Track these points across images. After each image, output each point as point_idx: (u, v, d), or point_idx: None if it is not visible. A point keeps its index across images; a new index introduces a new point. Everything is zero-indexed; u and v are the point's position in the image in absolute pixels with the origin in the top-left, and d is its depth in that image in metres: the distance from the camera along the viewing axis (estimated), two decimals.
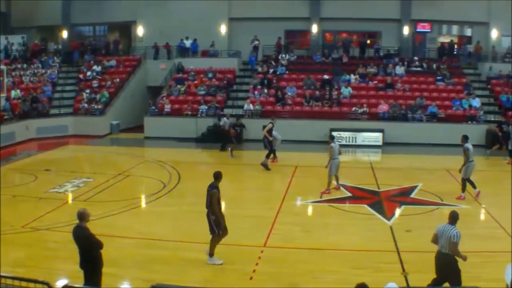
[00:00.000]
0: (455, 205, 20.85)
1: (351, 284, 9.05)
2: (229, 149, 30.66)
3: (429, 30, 46.57)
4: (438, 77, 39.94)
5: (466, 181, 21.48)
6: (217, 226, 14.28)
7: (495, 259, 15.24)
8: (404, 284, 12.87)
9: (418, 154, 31.43)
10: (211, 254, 14.39)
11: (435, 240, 12.20)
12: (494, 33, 45.03)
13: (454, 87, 39.22)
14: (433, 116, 35.73)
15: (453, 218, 12.16)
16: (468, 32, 47.79)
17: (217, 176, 14.59)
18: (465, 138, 21.70)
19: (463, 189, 21.52)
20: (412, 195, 22.52)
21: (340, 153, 23.03)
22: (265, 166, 26.84)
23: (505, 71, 40.84)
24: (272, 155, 28.29)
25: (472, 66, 43.42)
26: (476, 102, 37.18)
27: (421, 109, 36.18)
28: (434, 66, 41.51)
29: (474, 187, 21.55)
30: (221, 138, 32.19)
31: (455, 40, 47.85)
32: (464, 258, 11.97)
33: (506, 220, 18.76)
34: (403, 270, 14.17)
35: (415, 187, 23.52)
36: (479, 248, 16.19)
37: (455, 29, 48.65)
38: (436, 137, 33.85)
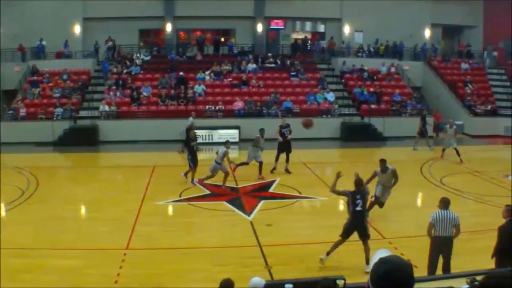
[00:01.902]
0: (313, 197, 21.35)
1: (216, 282, 9.05)
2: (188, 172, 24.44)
3: (282, 27, 47.12)
4: (292, 73, 40.71)
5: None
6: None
7: (354, 248, 15.66)
8: (268, 278, 12.92)
9: (274, 149, 31.71)
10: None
11: (431, 228, 12.85)
12: (347, 29, 46.58)
13: (308, 82, 40.20)
14: (288, 111, 36.26)
15: (446, 203, 13.00)
16: (321, 28, 49.05)
17: (360, 182, 14.82)
18: (385, 162, 18.96)
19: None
20: (271, 190, 22.82)
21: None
22: (286, 170, 26.11)
23: (358, 65, 42.48)
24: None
25: (325, 61, 44.63)
26: (331, 96, 38.32)
27: (276, 104, 36.69)
28: (288, 62, 42.22)
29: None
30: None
31: (309, 36, 48.88)
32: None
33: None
34: (266, 263, 14.31)
35: (273, 181, 23.92)
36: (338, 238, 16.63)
37: (308, 25, 49.64)
38: (292, 132, 34.27)
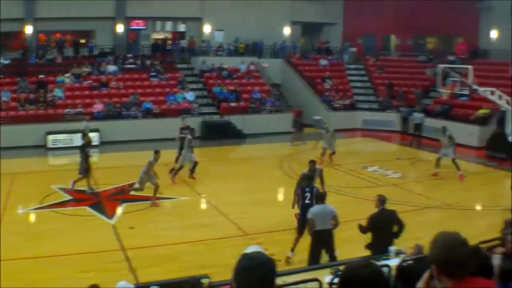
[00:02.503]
0: (175, 197, 21.63)
1: None
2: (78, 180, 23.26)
3: (143, 27, 46.94)
4: (152, 73, 40.66)
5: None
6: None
7: (219, 246, 16.22)
8: (134, 281, 13.08)
9: (135, 151, 31.50)
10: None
11: (313, 224, 13.40)
12: (207, 28, 46.82)
13: (168, 82, 40.31)
14: (148, 112, 36.36)
15: (322, 197, 13.93)
16: (182, 28, 49.08)
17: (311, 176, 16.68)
18: (315, 163, 18.82)
19: None
20: (132, 192, 22.75)
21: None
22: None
23: (218, 64, 42.95)
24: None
25: (185, 61, 44.66)
26: (190, 96, 38.64)
27: (135, 106, 36.60)
28: (148, 62, 42.18)
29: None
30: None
31: (170, 36, 49.05)
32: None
33: (225, 207, 19.93)
34: (131, 267, 14.53)
35: (134, 183, 23.65)
36: (203, 236, 17.10)
37: (169, 25, 49.64)
38: (152, 133, 34.08)
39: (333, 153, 29.19)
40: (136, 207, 20.69)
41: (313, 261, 13.09)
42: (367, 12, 47.76)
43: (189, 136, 25.28)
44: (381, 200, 13.16)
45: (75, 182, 22.82)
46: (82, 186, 22.95)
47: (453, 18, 43.89)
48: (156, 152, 22.01)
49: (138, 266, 14.57)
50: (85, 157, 23.04)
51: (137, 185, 21.72)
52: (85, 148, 23.49)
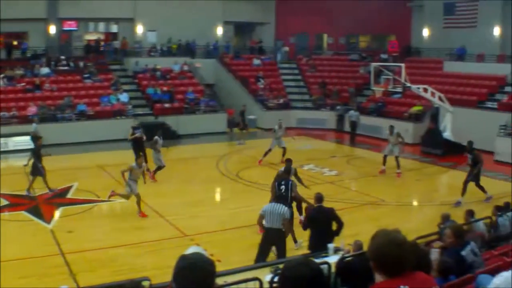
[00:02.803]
0: (112, 200, 21.25)
1: None
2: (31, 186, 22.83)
3: (75, 28, 46.33)
4: (85, 75, 40.16)
5: None
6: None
7: (158, 248, 16.19)
8: (74, 286, 13.07)
9: (71, 154, 31.07)
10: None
11: (261, 219, 13.50)
12: (140, 29, 46.57)
13: (101, 84, 39.92)
14: (82, 114, 35.93)
15: (277, 198, 14.21)
16: (114, 28, 48.57)
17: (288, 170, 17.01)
18: (291, 162, 18.84)
19: None
20: (69, 196, 22.60)
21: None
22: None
23: (151, 65, 42.79)
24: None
25: (118, 62, 44.31)
26: (124, 97, 38.35)
27: (69, 108, 36.06)
28: (82, 64, 41.68)
29: None
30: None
31: (102, 37, 48.56)
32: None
33: (162, 208, 19.89)
34: (71, 271, 14.35)
35: (71, 187, 23.64)
36: (142, 238, 17.02)
37: (101, 26, 49.08)
38: (86, 135, 33.97)
39: (284, 150, 29.17)
40: (73, 211, 20.40)
41: (260, 257, 13.17)
42: (299, 11, 48.36)
43: (156, 137, 25.54)
44: (318, 197, 13.37)
45: (48, 187, 22.74)
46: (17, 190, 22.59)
47: (385, 17, 44.76)
48: (139, 157, 21.67)
49: (78, 270, 14.42)
50: (39, 159, 22.82)
51: (127, 191, 20.31)
52: (39, 150, 23.31)
